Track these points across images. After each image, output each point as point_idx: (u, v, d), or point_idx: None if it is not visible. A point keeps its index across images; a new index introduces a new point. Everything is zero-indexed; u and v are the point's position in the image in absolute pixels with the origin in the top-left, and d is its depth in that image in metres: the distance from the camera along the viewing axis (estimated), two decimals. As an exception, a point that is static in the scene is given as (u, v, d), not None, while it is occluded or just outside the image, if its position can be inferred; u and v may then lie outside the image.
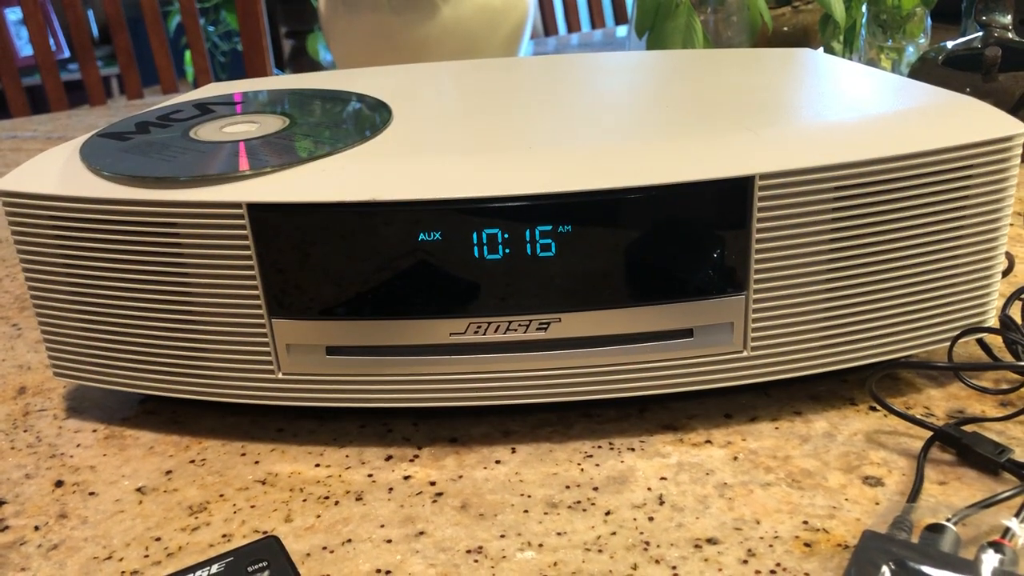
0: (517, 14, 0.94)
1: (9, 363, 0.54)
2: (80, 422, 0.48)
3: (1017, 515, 0.35)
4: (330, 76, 0.60)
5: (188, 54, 2.55)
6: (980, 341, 0.46)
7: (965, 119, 0.42)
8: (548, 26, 1.90)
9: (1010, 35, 0.73)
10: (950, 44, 0.76)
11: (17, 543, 0.39)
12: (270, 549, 0.36)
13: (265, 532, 0.39)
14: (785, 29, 0.91)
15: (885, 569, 0.31)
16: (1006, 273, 0.52)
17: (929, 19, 0.86)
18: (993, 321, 0.45)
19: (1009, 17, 0.72)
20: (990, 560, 0.31)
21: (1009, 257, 0.51)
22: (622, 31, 1.74)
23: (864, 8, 0.82)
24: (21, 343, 0.57)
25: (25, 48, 2.86)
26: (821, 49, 0.85)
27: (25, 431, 0.47)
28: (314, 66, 2.11)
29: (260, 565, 0.35)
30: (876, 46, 0.84)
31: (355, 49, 0.92)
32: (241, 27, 1.50)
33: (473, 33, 0.90)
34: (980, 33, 0.74)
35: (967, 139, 0.40)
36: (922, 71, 0.75)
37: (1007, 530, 0.34)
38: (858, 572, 0.31)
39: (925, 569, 0.31)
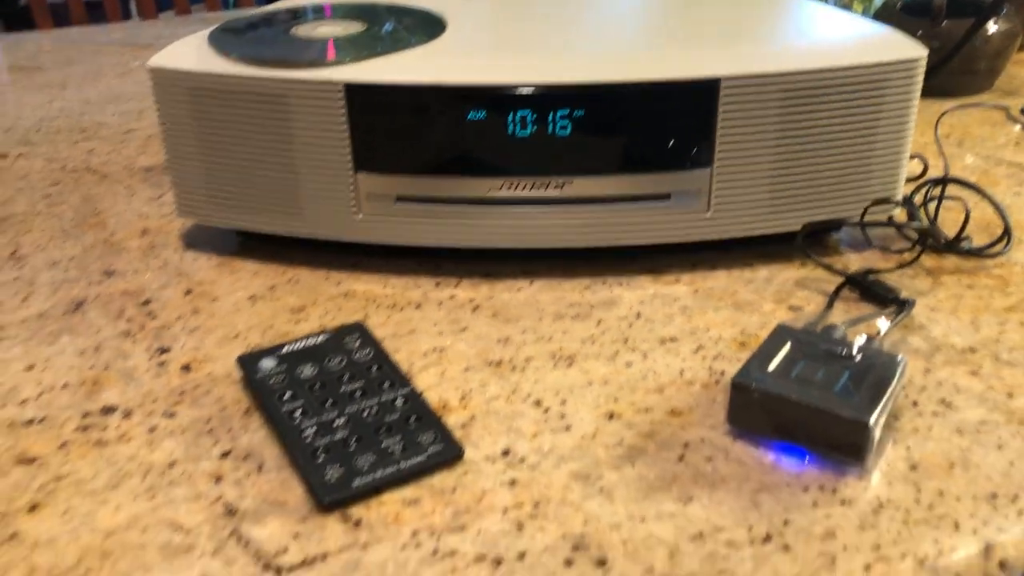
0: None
1: (131, 213, 0.68)
2: (196, 254, 0.62)
3: (889, 320, 0.49)
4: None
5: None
6: (889, 218, 0.59)
7: (885, 45, 0.55)
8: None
9: (958, -13, 0.85)
10: (911, -7, 0.89)
11: (166, 327, 0.54)
12: (360, 328, 0.50)
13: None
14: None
15: (788, 343, 0.45)
16: (921, 177, 0.66)
17: (898, -29, 0.98)
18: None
19: (959, -29, 0.85)
20: (860, 340, 0.45)
21: (924, 162, 0.65)
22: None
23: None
24: (137, 199, 0.71)
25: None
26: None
27: (154, 258, 0.61)
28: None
29: (353, 336, 0.50)
30: (851, -8, 0.97)
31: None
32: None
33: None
34: (936, -15, 0.87)
35: (883, 59, 0.54)
36: (883, 16, 0.88)
37: (879, 330, 0.48)
38: (769, 344, 0.45)
39: (817, 344, 0.45)
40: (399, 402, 0.45)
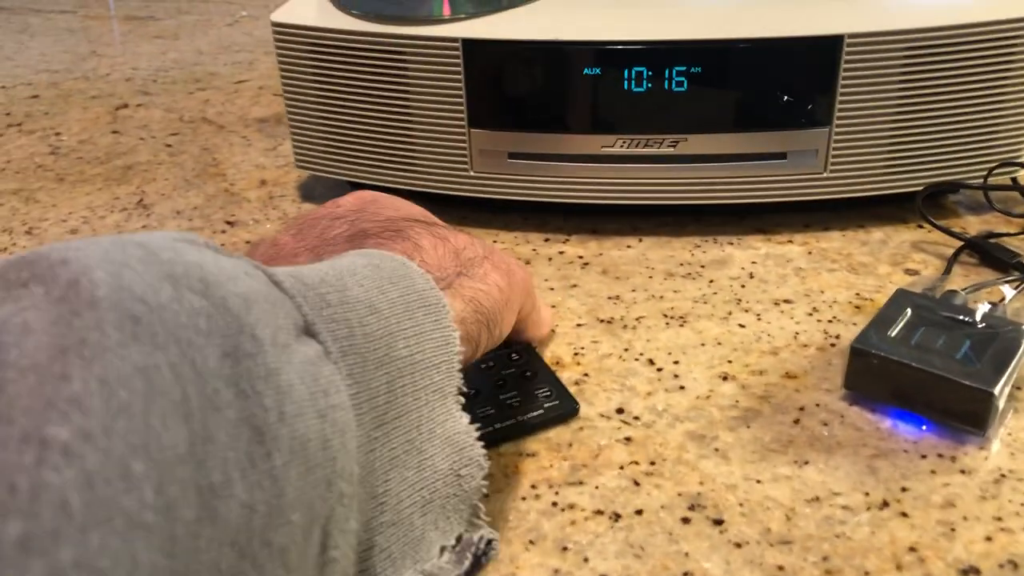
0: None
1: (248, 163, 0.70)
2: (313, 205, 0.64)
3: (1015, 288, 0.48)
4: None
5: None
6: (1013, 179, 0.58)
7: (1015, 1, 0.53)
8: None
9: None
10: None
11: (287, 276, 0.55)
12: (474, 283, 0.51)
13: (463, 278, 0.54)
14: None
15: (908, 309, 0.45)
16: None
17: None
18: (1027, 165, 0.57)
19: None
20: (983, 308, 0.44)
21: (1053, 120, 0.62)
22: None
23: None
24: (253, 150, 0.73)
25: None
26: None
27: (273, 209, 0.64)
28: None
29: (468, 291, 0.51)
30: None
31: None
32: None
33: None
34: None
35: (1013, 15, 0.52)
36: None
37: (1003, 297, 0.47)
38: (888, 309, 0.45)
39: (938, 310, 0.44)
40: (515, 357, 0.46)
